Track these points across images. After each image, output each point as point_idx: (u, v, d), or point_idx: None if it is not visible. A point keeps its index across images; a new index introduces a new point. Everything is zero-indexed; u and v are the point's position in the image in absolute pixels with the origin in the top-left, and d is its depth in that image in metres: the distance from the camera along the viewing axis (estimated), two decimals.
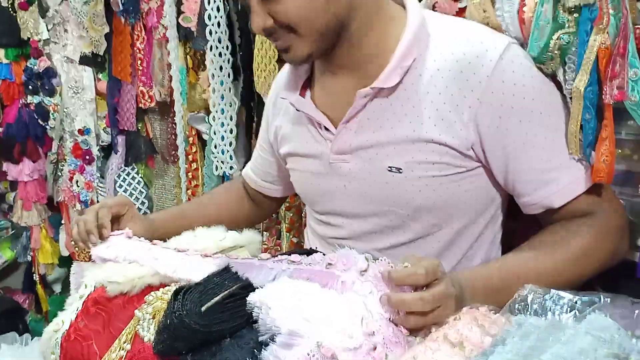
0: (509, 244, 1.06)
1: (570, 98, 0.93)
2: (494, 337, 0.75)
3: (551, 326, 0.73)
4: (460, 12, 1.11)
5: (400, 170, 0.98)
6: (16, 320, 2.85)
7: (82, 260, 2.28)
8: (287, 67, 1.17)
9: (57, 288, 2.93)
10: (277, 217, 1.65)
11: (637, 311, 0.73)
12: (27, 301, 2.97)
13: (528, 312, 0.78)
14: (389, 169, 0.99)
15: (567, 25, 0.93)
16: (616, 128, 0.96)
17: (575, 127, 0.92)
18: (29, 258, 2.83)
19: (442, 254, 1.03)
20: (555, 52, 0.94)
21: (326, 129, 1.06)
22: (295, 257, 0.90)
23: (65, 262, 2.74)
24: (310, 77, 1.12)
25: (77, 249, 2.43)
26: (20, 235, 2.91)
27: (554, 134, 0.94)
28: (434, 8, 1.14)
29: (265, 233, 1.66)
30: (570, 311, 0.75)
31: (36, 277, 2.80)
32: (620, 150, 1.01)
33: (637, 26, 0.89)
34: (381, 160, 1.00)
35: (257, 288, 0.85)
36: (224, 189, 1.50)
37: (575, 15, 0.93)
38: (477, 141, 0.95)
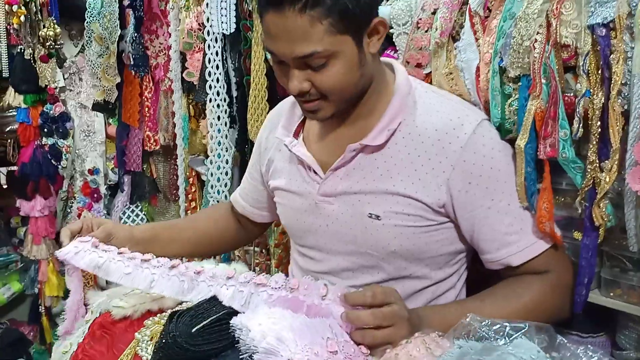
0: (476, 287, 1.14)
1: None
2: (438, 357, 0.88)
3: (484, 348, 0.86)
4: (426, 78, 1.24)
5: (379, 218, 1.06)
6: (21, 351, 2.90)
7: (86, 292, 2.38)
8: (283, 107, 1.26)
9: (62, 321, 2.99)
10: (267, 253, 1.77)
11: (558, 339, 0.87)
12: (32, 333, 3.02)
13: (469, 337, 0.91)
14: (369, 215, 1.07)
15: (512, 94, 1.08)
16: (557, 179, 1.10)
17: (520, 179, 1.05)
18: (36, 290, 2.90)
19: (413, 294, 1.12)
20: (513, 117, 1.07)
21: (315, 172, 1.14)
22: (259, 279, 1.02)
23: None
24: (303, 120, 1.20)
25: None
26: (28, 269, 3.00)
27: (516, 202, 1.04)
28: None
29: (256, 268, 1.78)
30: (502, 336, 0.88)
31: (42, 309, 2.87)
32: (562, 199, 1.14)
33: (565, 94, 1.04)
34: (362, 207, 1.08)
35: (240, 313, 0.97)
36: (213, 208, 1.59)
37: (518, 84, 1.07)
38: (448, 202, 1.04)
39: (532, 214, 1.04)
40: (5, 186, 3.24)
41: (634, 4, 0.93)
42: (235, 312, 1.00)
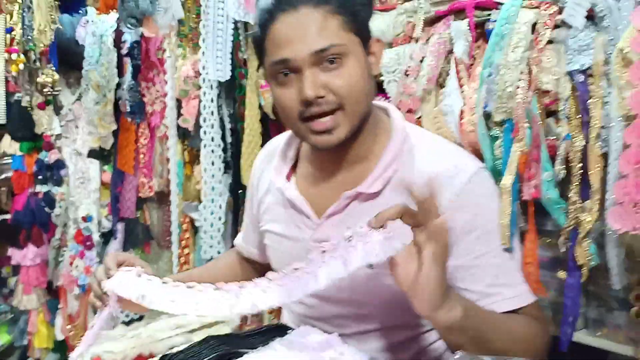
0: None
1: None
2: None
3: None
4: (417, 122, 1.27)
5: (371, 265, 1.03)
6: None
7: (76, 344, 2.34)
8: (273, 148, 1.23)
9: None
10: None
11: None
12: None
13: None
14: None
15: (500, 136, 1.12)
16: (542, 221, 1.12)
17: (504, 220, 1.05)
18: (26, 342, 2.87)
19: (404, 343, 1.10)
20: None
21: (308, 217, 1.10)
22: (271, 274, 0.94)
23: (60, 347, 2.78)
24: (295, 163, 1.17)
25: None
26: (18, 320, 2.96)
27: (504, 255, 1.01)
28: None
29: (248, 315, 1.77)
30: None
31: None
32: (547, 240, 1.17)
33: (548, 138, 1.08)
34: None
35: (232, 357, 0.97)
36: (226, 254, 1.53)
37: (503, 127, 1.12)
38: None
39: (517, 268, 1.03)
40: None
41: (609, 52, 0.98)
42: (225, 355, 1.00)
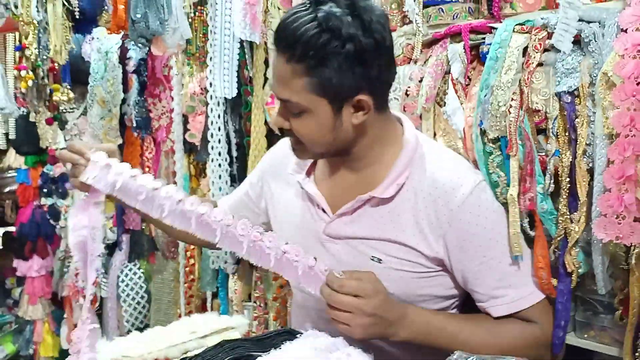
0: None
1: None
2: None
3: None
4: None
5: (381, 261, 1.12)
6: None
7: None
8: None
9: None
10: (265, 307, 1.83)
11: None
12: None
13: None
14: (372, 258, 1.12)
15: (493, 152, 1.18)
16: None
17: (514, 229, 1.10)
18: (31, 352, 2.91)
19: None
20: (496, 170, 1.16)
21: (323, 210, 1.18)
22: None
23: (65, 356, 2.80)
24: (316, 160, 1.24)
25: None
26: (23, 330, 3.01)
27: (507, 259, 1.10)
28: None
29: (254, 322, 1.84)
30: None
31: None
32: None
33: (539, 154, 1.14)
34: (365, 250, 1.13)
35: None
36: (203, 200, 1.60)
37: (497, 144, 1.17)
38: (444, 254, 1.10)
39: (521, 271, 1.11)
40: (1, 247, 3.28)
41: (595, 75, 1.04)
42: (240, 358, 1.06)
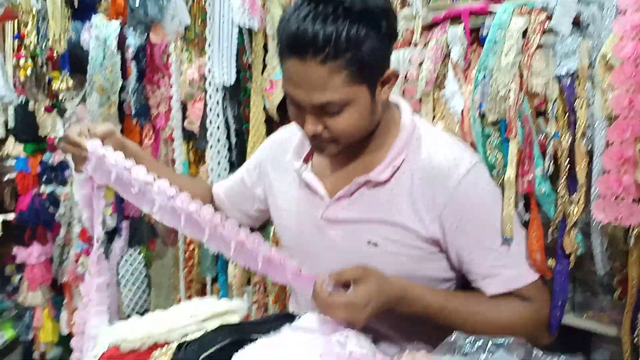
0: None
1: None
2: None
3: None
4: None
5: (377, 245, 1.12)
6: None
7: None
8: (293, 132, 1.27)
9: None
10: (265, 291, 1.84)
11: (534, 352, 0.95)
12: None
13: (455, 352, 0.98)
14: (368, 242, 1.12)
15: (492, 134, 1.18)
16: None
17: (508, 211, 1.10)
18: (31, 337, 2.93)
19: (407, 317, 1.16)
20: (494, 153, 1.17)
21: (321, 197, 1.18)
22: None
23: (65, 341, 2.81)
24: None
25: None
26: (22, 316, 3.04)
27: (501, 239, 1.10)
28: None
29: (253, 306, 1.85)
30: (484, 351, 0.96)
31: (36, 355, 2.89)
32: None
33: (539, 136, 1.14)
34: (362, 234, 1.13)
35: (245, 343, 1.04)
36: (196, 180, 1.68)
37: (497, 126, 1.18)
38: (440, 235, 1.10)
39: (516, 251, 1.11)
40: (0, 234, 3.30)
41: (594, 57, 1.05)
42: (239, 341, 1.07)
